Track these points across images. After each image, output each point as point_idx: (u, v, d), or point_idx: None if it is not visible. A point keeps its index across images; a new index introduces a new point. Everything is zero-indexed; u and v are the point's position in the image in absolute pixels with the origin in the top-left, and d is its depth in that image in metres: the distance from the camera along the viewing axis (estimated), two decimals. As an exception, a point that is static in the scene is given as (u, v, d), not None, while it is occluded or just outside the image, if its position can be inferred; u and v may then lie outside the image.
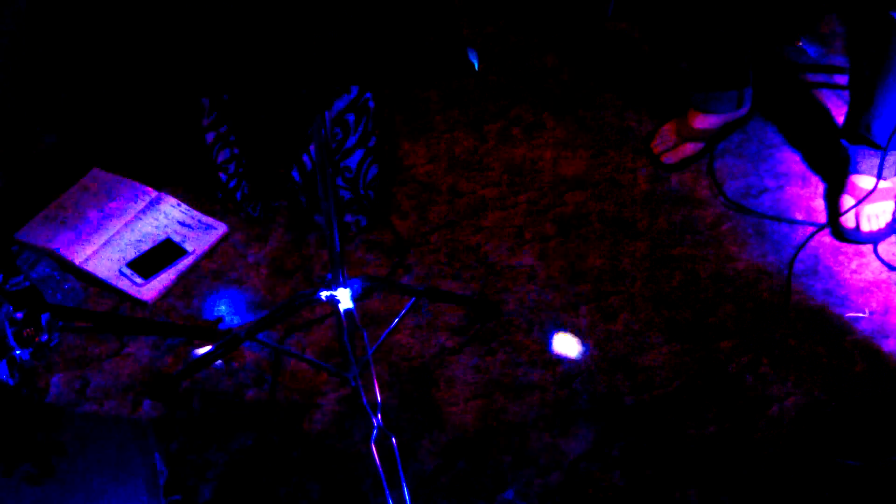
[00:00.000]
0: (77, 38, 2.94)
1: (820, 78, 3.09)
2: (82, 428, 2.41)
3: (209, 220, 2.82)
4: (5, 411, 2.33)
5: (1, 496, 2.29)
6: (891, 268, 2.66)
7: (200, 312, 2.65)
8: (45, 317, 2.51)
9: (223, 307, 2.65)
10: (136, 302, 2.66)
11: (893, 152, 2.65)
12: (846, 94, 2.93)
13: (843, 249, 2.71)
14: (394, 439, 2.23)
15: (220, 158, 2.77)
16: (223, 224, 2.81)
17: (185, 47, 1.86)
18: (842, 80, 3.05)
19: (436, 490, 2.31)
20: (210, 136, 2.74)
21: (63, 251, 2.73)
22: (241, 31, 1.85)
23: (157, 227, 2.80)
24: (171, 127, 2.96)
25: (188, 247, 2.75)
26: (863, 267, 2.68)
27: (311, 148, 2.69)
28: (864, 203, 2.69)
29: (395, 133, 3.02)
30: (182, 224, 2.81)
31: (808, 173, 2.89)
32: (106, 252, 2.75)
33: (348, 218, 2.77)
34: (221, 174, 2.79)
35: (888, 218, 2.70)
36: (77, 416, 2.45)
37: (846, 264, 2.68)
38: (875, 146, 2.66)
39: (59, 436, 2.38)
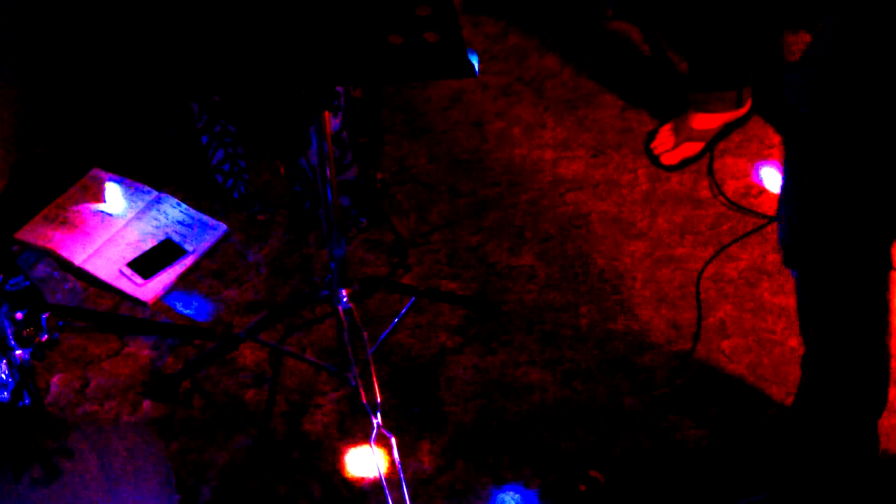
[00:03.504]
0: (74, 37, 2.94)
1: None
2: (89, 430, 2.41)
3: (209, 220, 2.82)
4: (10, 415, 2.33)
5: (9, 499, 2.29)
6: None
7: (200, 312, 2.65)
8: (44, 317, 2.51)
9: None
10: (136, 302, 2.66)
11: None
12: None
13: (843, 249, 2.71)
14: (394, 439, 2.23)
15: (215, 160, 2.78)
16: (223, 224, 2.81)
17: (182, 47, 1.86)
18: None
19: (436, 490, 2.31)
20: (204, 139, 2.75)
21: (63, 251, 2.73)
22: (240, 31, 1.85)
23: (157, 227, 2.80)
24: (169, 128, 2.96)
25: (188, 247, 2.76)
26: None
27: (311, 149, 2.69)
28: None
29: (383, 129, 3.02)
30: (182, 224, 2.81)
31: (808, 173, 2.89)
32: (106, 252, 2.75)
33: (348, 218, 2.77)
34: (217, 175, 2.80)
35: None
36: (83, 418, 2.45)
37: (846, 264, 2.68)
38: None
39: (66, 439, 2.38)
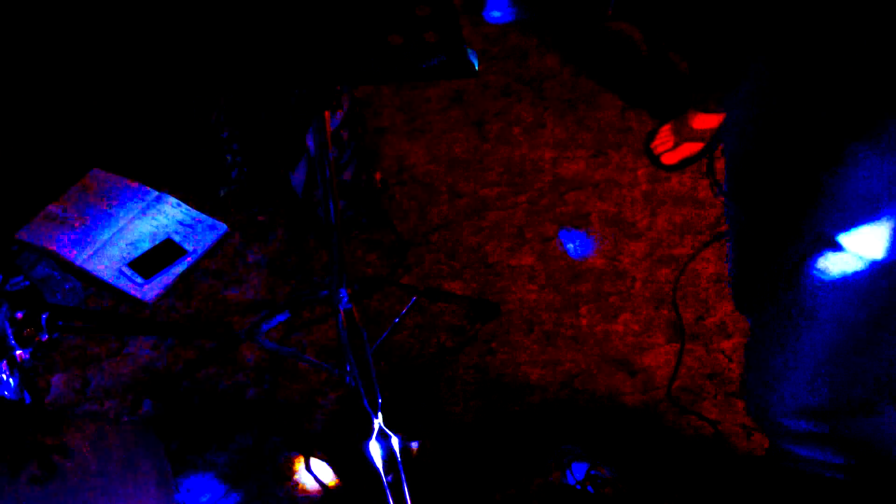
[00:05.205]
0: (80, 37, 2.94)
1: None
2: (87, 428, 2.41)
3: (209, 220, 2.82)
4: (7, 413, 2.33)
5: (6, 497, 2.29)
6: None
7: (200, 312, 2.65)
8: (44, 317, 2.51)
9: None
10: (136, 302, 2.66)
11: None
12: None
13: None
14: (394, 439, 2.23)
15: (228, 156, 2.78)
16: (223, 224, 2.81)
17: (183, 45, 1.86)
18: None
19: (436, 490, 2.31)
20: (223, 133, 2.75)
21: (63, 251, 2.74)
22: (240, 30, 1.85)
23: (157, 227, 2.80)
24: (173, 126, 2.96)
25: (188, 247, 2.76)
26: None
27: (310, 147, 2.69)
28: None
29: (375, 129, 3.02)
30: (182, 224, 2.81)
31: (808, 173, 2.89)
32: (106, 252, 2.75)
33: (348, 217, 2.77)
34: (232, 172, 2.81)
35: None
36: (81, 416, 2.45)
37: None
38: None
39: (64, 436, 2.38)
